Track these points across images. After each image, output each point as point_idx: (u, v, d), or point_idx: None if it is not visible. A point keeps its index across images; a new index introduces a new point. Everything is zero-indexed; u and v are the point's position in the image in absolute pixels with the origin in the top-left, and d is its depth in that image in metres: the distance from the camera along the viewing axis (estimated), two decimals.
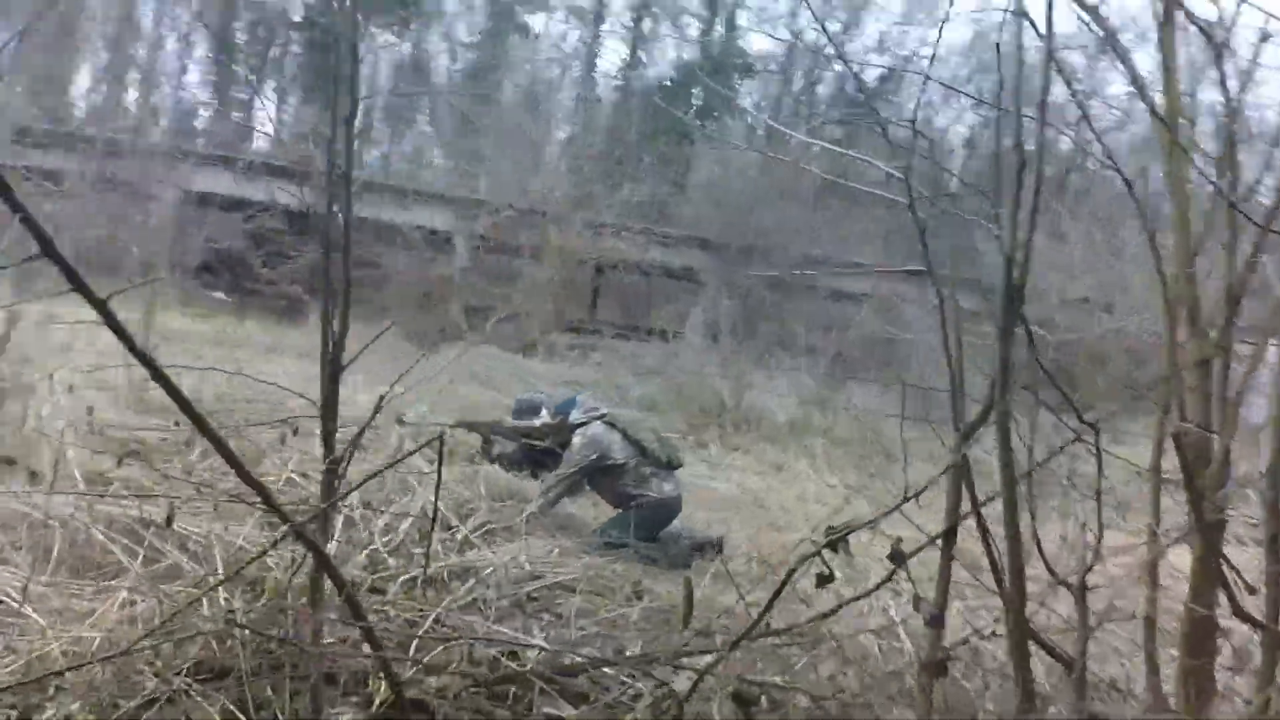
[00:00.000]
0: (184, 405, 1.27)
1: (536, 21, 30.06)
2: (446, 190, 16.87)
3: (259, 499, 1.46)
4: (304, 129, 16.48)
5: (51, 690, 2.11)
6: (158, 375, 1.20)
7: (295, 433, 3.12)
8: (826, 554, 1.58)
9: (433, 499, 3.38)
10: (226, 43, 27.35)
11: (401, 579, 2.91)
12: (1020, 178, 1.95)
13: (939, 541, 1.82)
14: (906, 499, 1.69)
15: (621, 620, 3.45)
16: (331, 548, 3.04)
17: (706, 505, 6.21)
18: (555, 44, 31.75)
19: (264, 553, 1.63)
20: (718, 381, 9.44)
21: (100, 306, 1.11)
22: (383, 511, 3.45)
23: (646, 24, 30.24)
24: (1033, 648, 2.05)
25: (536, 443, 4.62)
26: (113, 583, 2.51)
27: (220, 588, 2.48)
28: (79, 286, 1.10)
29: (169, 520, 1.97)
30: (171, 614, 1.71)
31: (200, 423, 1.32)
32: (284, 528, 1.52)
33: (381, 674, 1.80)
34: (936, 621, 1.68)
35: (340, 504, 3.52)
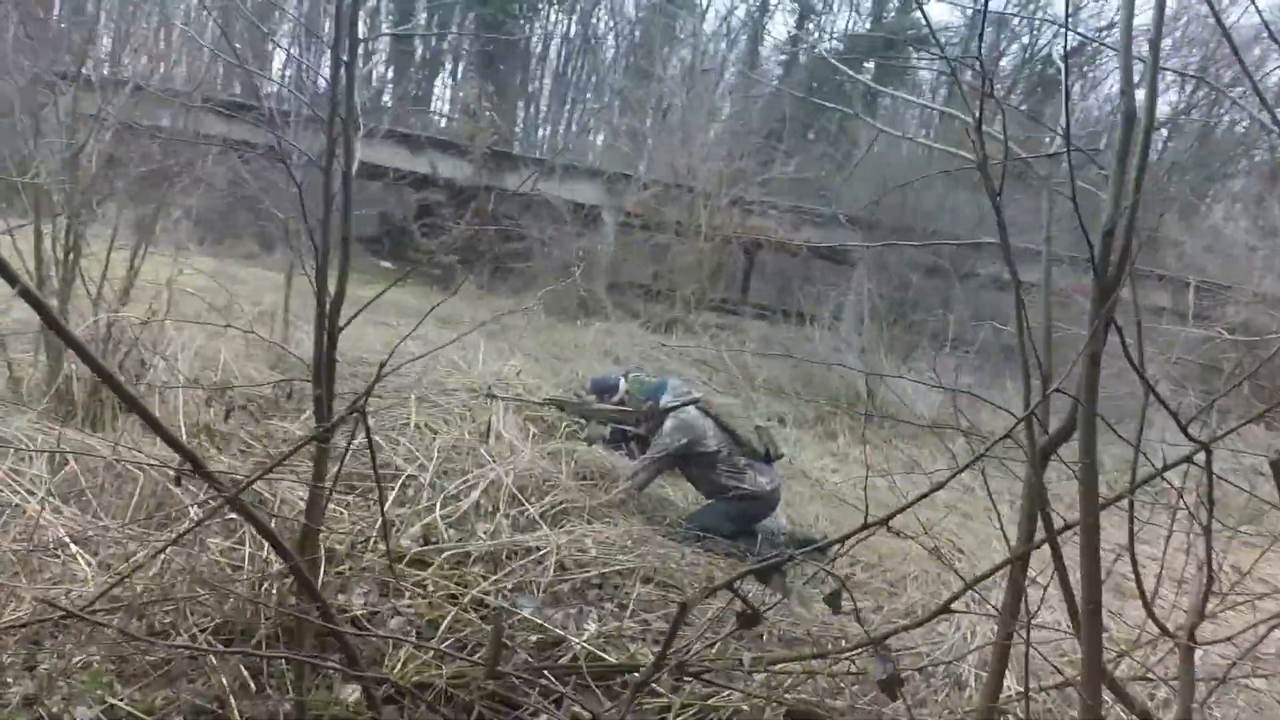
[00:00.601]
0: (86, 358, 1.19)
1: None
2: (597, 165, 16.97)
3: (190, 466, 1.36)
4: (471, 105, 16.96)
5: (81, 636, 2.17)
6: (54, 325, 1.11)
7: (290, 396, 3.09)
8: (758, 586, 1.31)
9: (506, 472, 3.31)
10: (409, 21, 28.73)
11: (447, 553, 2.83)
12: (1127, 133, 1.57)
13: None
14: (867, 527, 1.39)
15: (691, 617, 3.25)
16: (389, 513, 3.01)
17: (822, 501, 5.88)
18: (722, 17, 31.39)
19: (200, 523, 1.55)
20: (854, 369, 8.92)
21: None
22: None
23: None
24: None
25: (626, 426, 4.47)
26: (160, 535, 2.56)
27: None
28: None
29: (178, 479, 1.94)
30: (121, 577, 1.66)
31: (109, 380, 1.24)
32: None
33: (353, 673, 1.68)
34: (889, 684, 1.37)
35: (424, 470, 3.50)
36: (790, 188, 16.67)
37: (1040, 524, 1.66)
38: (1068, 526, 1.61)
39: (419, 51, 29.23)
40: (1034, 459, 1.62)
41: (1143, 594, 1.73)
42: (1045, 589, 2.13)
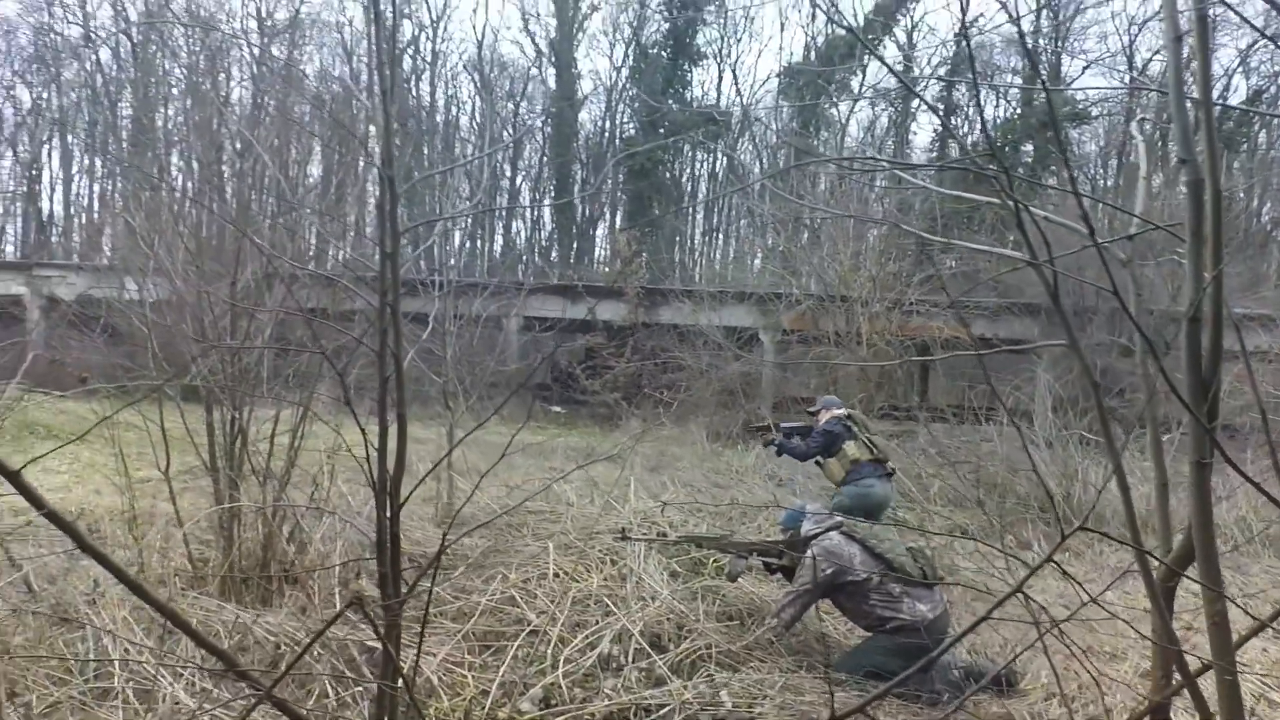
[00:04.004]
0: (121, 575, 1.26)
1: (842, 110, 30.29)
2: (750, 288, 17.13)
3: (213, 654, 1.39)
4: (621, 252, 17.82)
5: None
6: (84, 546, 1.19)
7: (358, 575, 3.11)
8: None
9: (636, 620, 3.20)
10: (566, 180, 31.07)
11: (565, 717, 2.71)
12: (1197, 202, 1.37)
13: None
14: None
15: None
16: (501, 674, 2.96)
17: (1012, 625, 5.27)
18: (865, 128, 31.69)
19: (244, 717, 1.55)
20: (1044, 469, 8.14)
21: None
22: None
23: (959, 91, 29.01)
24: None
25: (771, 560, 4.24)
26: None
27: None
28: None
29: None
30: None
31: (135, 587, 1.30)
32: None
33: None
34: None
35: (554, 623, 3.46)
36: (960, 284, 16.06)
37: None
38: (1205, 668, 1.31)
39: (580, 210, 31.37)
40: (1154, 593, 1.36)
41: None
42: None
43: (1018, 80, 28.29)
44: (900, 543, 4.07)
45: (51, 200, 31.17)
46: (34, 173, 29.90)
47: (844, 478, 5.82)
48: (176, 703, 2.61)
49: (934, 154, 29.58)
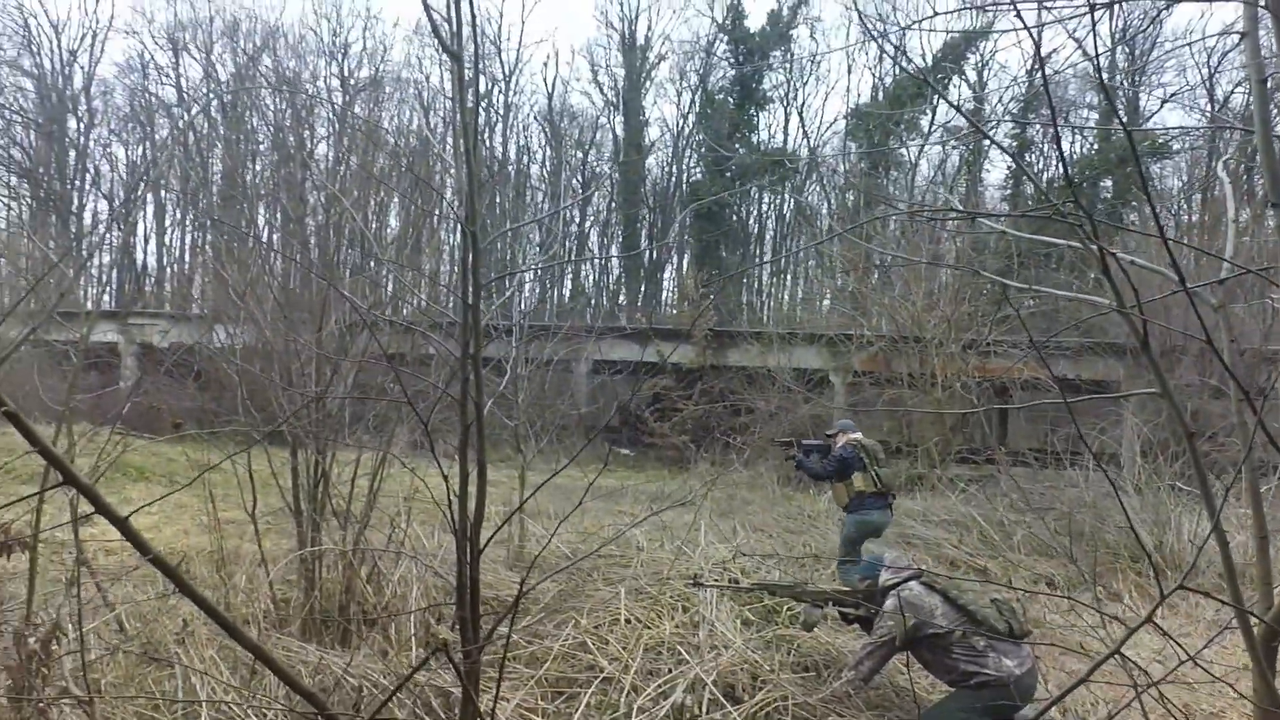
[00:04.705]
0: (219, 619, 1.31)
1: (912, 151, 30.07)
2: (820, 329, 16.97)
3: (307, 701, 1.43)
4: (689, 295, 17.91)
5: None
6: (184, 587, 1.25)
7: (439, 619, 3.12)
8: None
9: (709, 669, 3.16)
10: (634, 224, 31.49)
11: None
12: None
13: None
14: None
15: None
16: None
17: (1107, 680, 5.01)
18: (936, 166, 31.36)
19: None
20: (1134, 518, 7.79)
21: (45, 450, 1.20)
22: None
23: (1033, 128, 28.49)
24: None
25: (849, 610, 4.14)
26: None
27: None
28: (26, 433, 1.20)
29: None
30: None
31: (235, 633, 1.35)
32: None
33: None
34: None
35: (627, 670, 3.44)
36: (1039, 324, 15.63)
37: None
38: None
39: (646, 255, 31.75)
40: (1254, 652, 1.29)
41: None
42: None
43: (1093, 116, 27.73)
44: (984, 594, 3.93)
45: (145, 252, 33.08)
46: (129, 225, 31.77)
47: (847, 504, 6.42)
48: None
49: (1008, 191, 29.09)
